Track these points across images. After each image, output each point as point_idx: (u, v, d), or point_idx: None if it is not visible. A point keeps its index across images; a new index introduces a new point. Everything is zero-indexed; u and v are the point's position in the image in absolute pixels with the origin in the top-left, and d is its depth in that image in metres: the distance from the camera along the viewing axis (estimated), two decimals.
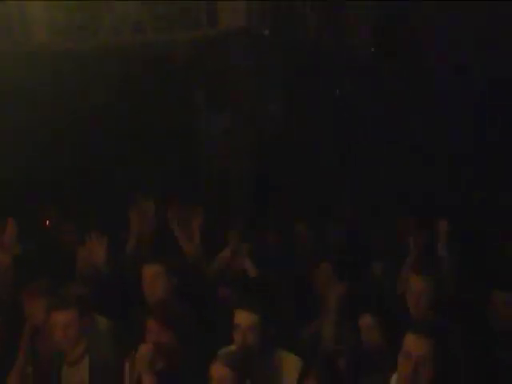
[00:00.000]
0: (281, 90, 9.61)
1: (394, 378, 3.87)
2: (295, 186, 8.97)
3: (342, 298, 5.32)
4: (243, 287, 5.79)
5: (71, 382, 4.89)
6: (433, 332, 3.79)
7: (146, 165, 9.04)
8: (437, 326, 4.05)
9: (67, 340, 4.84)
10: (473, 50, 9.83)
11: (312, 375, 4.25)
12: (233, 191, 9.27)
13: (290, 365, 4.62)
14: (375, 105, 9.86)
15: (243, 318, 4.64)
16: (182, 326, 4.77)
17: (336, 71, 10.04)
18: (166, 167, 9.12)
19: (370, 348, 4.66)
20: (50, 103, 9.18)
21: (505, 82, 9.48)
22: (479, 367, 4.45)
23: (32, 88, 8.98)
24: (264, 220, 7.81)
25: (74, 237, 7.01)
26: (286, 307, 5.71)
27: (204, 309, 5.52)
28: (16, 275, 5.75)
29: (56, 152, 9.22)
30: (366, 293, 5.57)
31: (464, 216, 7.43)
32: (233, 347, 4.66)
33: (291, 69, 9.54)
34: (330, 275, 5.87)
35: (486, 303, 5.02)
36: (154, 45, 9.16)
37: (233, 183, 9.31)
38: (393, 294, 5.56)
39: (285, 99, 9.66)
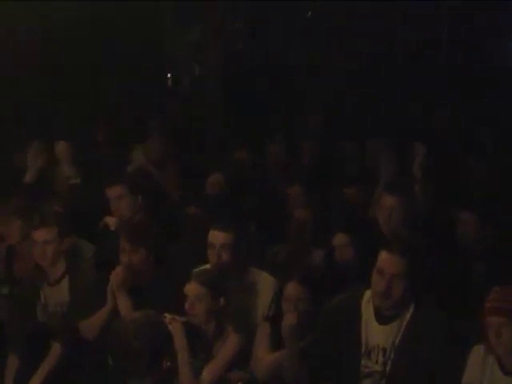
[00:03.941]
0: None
1: (367, 294, 3.95)
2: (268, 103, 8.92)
3: (314, 220, 5.40)
4: (214, 207, 5.81)
5: (51, 302, 4.92)
6: (406, 250, 3.86)
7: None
8: (410, 244, 4.12)
9: (46, 257, 4.86)
10: None
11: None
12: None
13: (265, 283, 4.70)
14: None
15: (217, 237, 4.69)
16: (153, 244, 4.78)
17: None
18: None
19: (344, 266, 4.76)
20: None
21: None
22: (448, 283, 4.56)
23: None
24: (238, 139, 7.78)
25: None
26: (257, 226, 5.76)
27: (176, 227, 5.55)
28: None
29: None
30: (339, 214, 5.62)
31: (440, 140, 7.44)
32: (208, 266, 4.72)
33: None
34: (300, 197, 5.93)
35: (456, 223, 5.12)
36: None
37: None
38: (366, 215, 5.62)
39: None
